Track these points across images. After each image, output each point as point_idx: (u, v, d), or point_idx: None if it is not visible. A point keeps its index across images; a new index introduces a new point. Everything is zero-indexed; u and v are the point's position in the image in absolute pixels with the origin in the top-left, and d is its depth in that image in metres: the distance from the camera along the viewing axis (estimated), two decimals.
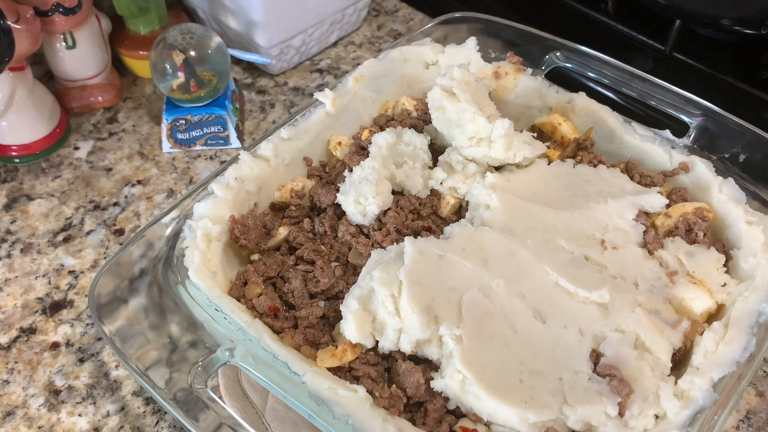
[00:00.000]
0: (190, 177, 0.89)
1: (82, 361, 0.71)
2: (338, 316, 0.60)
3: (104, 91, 0.96)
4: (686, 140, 0.75)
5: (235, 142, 0.92)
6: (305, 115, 0.76)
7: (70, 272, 0.78)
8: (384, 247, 0.64)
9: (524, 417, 0.53)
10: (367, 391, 0.55)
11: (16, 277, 0.78)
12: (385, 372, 0.59)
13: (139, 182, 0.88)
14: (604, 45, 0.83)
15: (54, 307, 0.75)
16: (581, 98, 0.78)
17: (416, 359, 0.58)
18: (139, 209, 0.85)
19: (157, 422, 0.66)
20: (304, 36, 1.01)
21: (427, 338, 0.57)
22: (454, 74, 0.71)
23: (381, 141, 0.71)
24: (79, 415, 0.66)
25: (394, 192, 0.70)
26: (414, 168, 0.72)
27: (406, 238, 0.61)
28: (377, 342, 0.58)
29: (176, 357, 0.59)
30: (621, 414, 0.54)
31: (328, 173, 0.75)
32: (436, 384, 0.55)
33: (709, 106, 0.75)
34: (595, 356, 0.58)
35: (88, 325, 0.73)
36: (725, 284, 0.63)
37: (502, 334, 0.58)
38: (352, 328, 0.57)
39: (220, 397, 0.59)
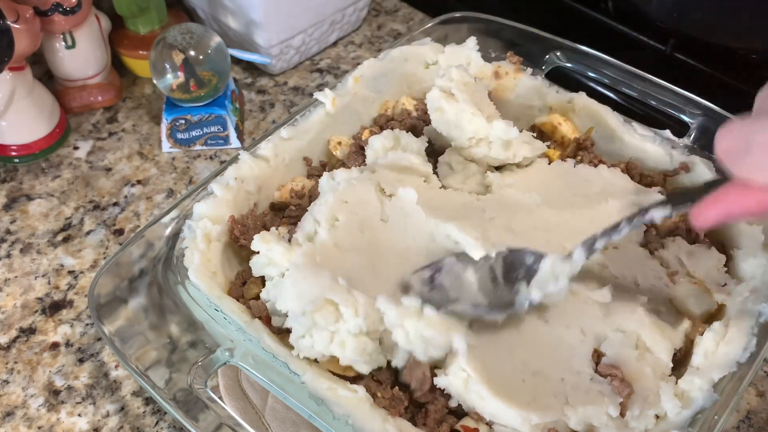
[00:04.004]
0: (190, 177, 0.89)
1: (81, 361, 0.70)
2: None
3: (104, 90, 0.96)
4: (686, 140, 0.75)
5: (234, 142, 0.92)
6: (305, 115, 0.76)
7: (70, 272, 0.78)
8: None
9: (527, 418, 0.52)
10: (368, 392, 0.55)
11: (16, 277, 0.78)
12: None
13: (138, 182, 0.88)
14: (604, 45, 0.83)
15: (54, 307, 0.75)
16: (581, 98, 0.78)
17: None
18: (138, 209, 0.85)
19: (157, 422, 0.66)
20: (304, 36, 1.01)
21: None
22: (453, 75, 0.71)
23: (377, 145, 0.71)
24: (79, 415, 0.66)
25: None
26: None
27: None
28: None
29: (176, 357, 0.59)
30: (622, 414, 0.54)
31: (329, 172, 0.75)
32: (440, 381, 0.55)
33: (709, 106, 0.75)
34: (597, 356, 0.58)
35: (87, 325, 0.73)
36: (725, 284, 0.63)
37: (505, 334, 0.58)
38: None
39: (220, 398, 0.58)
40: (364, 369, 0.56)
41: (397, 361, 0.56)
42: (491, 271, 0.57)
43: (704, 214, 0.47)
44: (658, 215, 0.53)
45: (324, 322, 0.54)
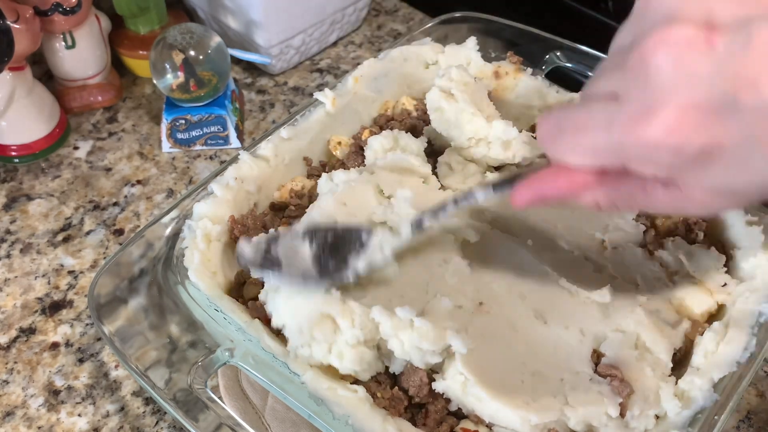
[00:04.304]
0: (190, 177, 0.89)
1: (81, 361, 0.70)
2: None
3: (104, 90, 0.96)
4: None
5: (234, 142, 0.92)
6: (305, 115, 0.76)
7: (70, 272, 0.78)
8: None
9: (526, 418, 0.52)
10: (368, 392, 0.54)
11: (16, 277, 0.78)
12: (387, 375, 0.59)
13: (138, 182, 0.88)
14: (604, 45, 0.83)
15: (53, 307, 0.75)
16: None
17: None
18: (138, 209, 0.85)
19: (157, 422, 0.66)
20: (304, 36, 1.01)
21: None
22: (453, 75, 0.71)
23: (377, 145, 0.71)
24: (79, 415, 0.66)
25: None
26: None
27: None
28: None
29: (176, 357, 0.59)
30: (622, 415, 0.54)
31: (328, 173, 0.75)
32: (438, 385, 0.55)
33: None
34: (596, 356, 0.58)
35: (87, 325, 0.73)
36: (725, 284, 0.63)
37: (504, 335, 0.58)
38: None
39: (220, 398, 0.58)
40: (364, 377, 0.55)
41: (395, 368, 0.56)
42: (325, 247, 0.58)
43: (520, 196, 0.49)
44: (480, 196, 0.54)
45: (322, 336, 0.54)
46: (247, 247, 0.58)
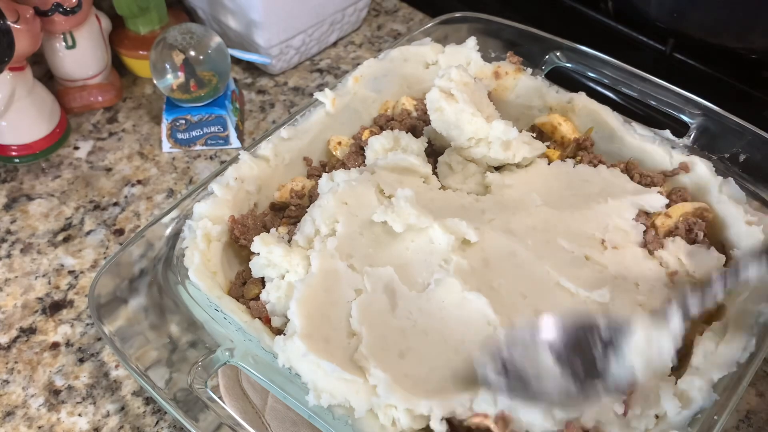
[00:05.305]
0: (190, 177, 0.89)
1: (82, 361, 0.71)
2: None
3: (104, 91, 0.96)
4: (686, 140, 0.75)
5: (235, 142, 0.92)
6: (305, 115, 0.76)
7: (70, 272, 0.78)
8: None
9: (549, 413, 0.52)
10: None
11: (16, 277, 0.78)
12: None
13: (139, 182, 0.88)
14: (604, 45, 0.83)
15: (54, 307, 0.75)
16: (581, 98, 0.78)
17: None
18: (139, 209, 0.85)
19: (157, 422, 0.66)
20: (304, 36, 1.01)
21: None
22: (453, 75, 0.71)
23: (377, 145, 0.71)
24: (79, 415, 0.66)
25: None
26: None
27: None
28: None
29: (176, 357, 0.59)
30: (625, 413, 0.54)
31: (328, 173, 0.75)
32: None
33: (709, 106, 0.75)
34: None
35: (88, 325, 0.73)
36: None
37: None
38: None
39: (220, 398, 0.59)
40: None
41: None
42: (560, 348, 0.52)
43: None
44: (754, 272, 0.52)
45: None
46: (489, 373, 0.51)
